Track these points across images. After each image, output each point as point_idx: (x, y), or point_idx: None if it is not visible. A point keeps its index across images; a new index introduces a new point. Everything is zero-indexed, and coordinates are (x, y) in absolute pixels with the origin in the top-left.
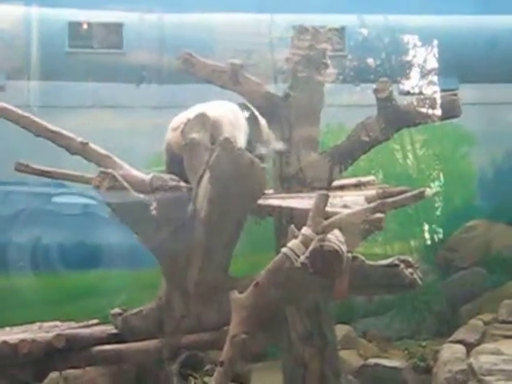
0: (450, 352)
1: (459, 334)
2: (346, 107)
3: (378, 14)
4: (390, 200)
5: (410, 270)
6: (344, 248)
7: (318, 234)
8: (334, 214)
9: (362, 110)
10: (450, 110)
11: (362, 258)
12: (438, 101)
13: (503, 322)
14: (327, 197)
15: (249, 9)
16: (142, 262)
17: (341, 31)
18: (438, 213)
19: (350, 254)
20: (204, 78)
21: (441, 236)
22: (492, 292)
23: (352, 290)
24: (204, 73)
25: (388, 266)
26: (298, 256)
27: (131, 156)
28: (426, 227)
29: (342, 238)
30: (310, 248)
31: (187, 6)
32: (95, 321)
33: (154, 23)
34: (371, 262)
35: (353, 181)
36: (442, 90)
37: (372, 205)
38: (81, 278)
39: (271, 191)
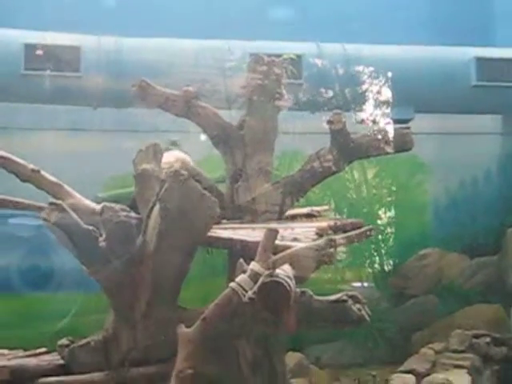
0: (400, 382)
1: (410, 364)
2: (301, 135)
3: (336, 43)
4: (340, 237)
5: (357, 305)
6: (292, 283)
7: (266, 269)
8: (284, 247)
9: (318, 137)
10: (402, 144)
11: (311, 293)
12: (391, 134)
13: (454, 351)
14: (276, 233)
15: (207, 35)
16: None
17: (298, 59)
18: (391, 240)
19: (298, 289)
20: (158, 105)
21: (394, 263)
22: (443, 320)
23: (300, 324)
24: (158, 101)
25: (336, 301)
26: (246, 291)
27: (86, 179)
28: (380, 254)
29: (290, 274)
30: (258, 283)
31: (145, 30)
32: (43, 349)
33: (111, 47)
34: (319, 298)
35: (306, 210)
36: (398, 121)
37: (322, 241)
38: (33, 301)
39: (224, 221)
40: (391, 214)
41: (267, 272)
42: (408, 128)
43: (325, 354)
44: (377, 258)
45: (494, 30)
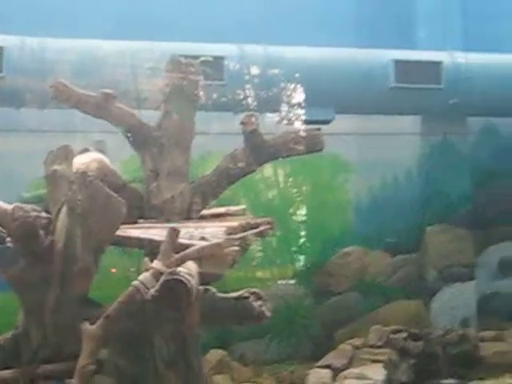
0: (317, 377)
1: (327, 359)
2: (225, 135)
3: (258, 44)
4: (236, 236)
5: (259, 302)
6: (194, 281)
7: (169, 267)
8: (189, 246)
9: (240, 138)
10: (313, 145)
11: (214, 290)
12: (303, 135)
13: (372, 346)
14: (177, 231)
15: (132, 36)
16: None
17: (220, 61)
18: (315, 239)
19: (201, 287)
20: (73, 106)
21: (318, 261)
22: (366, 317)
23: (203, 321)
24: (72, 101)
25: (237, 298)
26: (149, 289)
27: (10, 180)
28: (304, 253)
29: (194, 271)
30: (160, 281)
31: (70, 30)
32: None
33: (35, 47)
34: (222, 295)
35: (222, 210)
36: (318, 121)
37: (223, 239)
38: None
39: (141, 220)
40: (314, 212)
41: (169, 270)
42: (319, 129)
43: (249, 351)
44: (300, 256)
45: (413, 32)
